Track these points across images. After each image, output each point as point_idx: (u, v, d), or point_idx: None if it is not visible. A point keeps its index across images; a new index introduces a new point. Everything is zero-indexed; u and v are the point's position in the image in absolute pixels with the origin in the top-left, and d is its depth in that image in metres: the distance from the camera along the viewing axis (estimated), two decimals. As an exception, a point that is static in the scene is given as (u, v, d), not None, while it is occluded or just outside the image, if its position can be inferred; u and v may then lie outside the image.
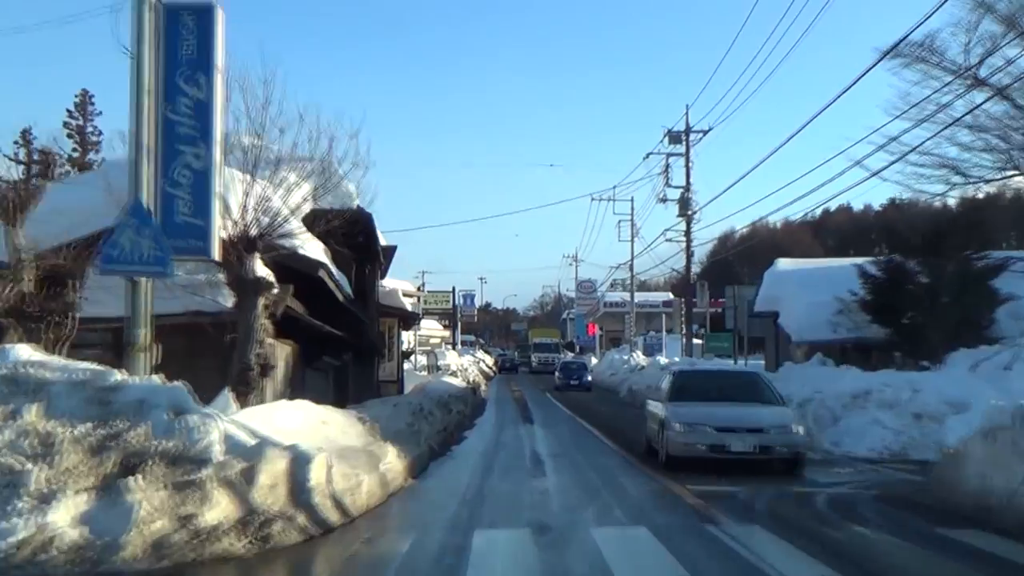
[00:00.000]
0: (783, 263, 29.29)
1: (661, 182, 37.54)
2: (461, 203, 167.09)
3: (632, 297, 56.26)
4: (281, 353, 12.57)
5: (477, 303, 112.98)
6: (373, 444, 10.14)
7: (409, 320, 30.55)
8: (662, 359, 40.96)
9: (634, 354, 47.81)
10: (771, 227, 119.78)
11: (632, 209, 55.30)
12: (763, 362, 30.96)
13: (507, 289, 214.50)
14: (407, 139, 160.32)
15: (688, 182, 36.25)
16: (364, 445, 9.73)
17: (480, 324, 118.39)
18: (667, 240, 36.95)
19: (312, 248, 13.95)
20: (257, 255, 10.85)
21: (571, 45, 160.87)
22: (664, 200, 36.86)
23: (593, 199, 56.18)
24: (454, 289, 65.84)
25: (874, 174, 22.07)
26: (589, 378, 40.49)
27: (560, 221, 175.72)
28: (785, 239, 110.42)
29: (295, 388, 13.50)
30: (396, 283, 54.83)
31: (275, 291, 10.90)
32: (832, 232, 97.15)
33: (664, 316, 63.76)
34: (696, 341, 54.17)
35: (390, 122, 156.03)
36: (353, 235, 19.48)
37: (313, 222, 17.48)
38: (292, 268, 12.29)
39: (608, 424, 20.30)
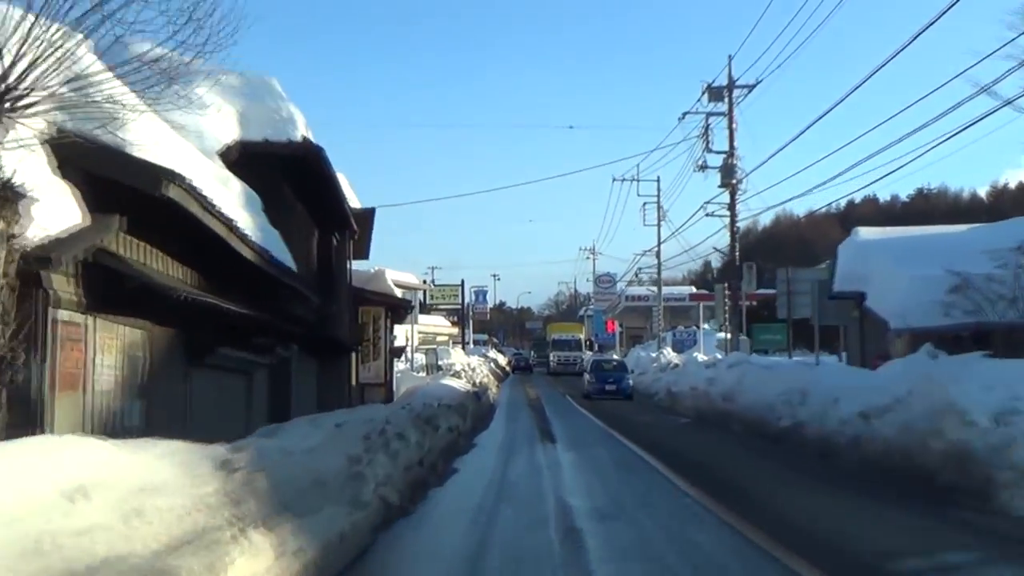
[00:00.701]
0: (865, 232, 23.64)
1: (699, 149, 31.89)
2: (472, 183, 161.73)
3: (659, 288, 50.52)
4: (111, 341, 7.07)
5: (490, 301, 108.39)
6: (219, 532, 4.61)
7: (400, 311, 25.03)
8: (699, 355, 35.30)
9: (664, 351, 42.16)
10: (794, 219, 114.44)
11: (659, 190, 49.72)
12: (840, 357, 25.37)
13: (521, 287, 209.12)
14: (417, 127, 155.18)
15: (732, 146, 30.59)
16: (176, 544, 4.20)
17: (494, 323, 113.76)
18: (708, 215, 31.33)
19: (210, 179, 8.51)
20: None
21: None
22: (703, 168, 31.20)
23: (615, 180, 50.74)
24: (463, 283, 60.52)
25: (1008, 102, 16.35)
26: (630, 382, 30.82)
27: (577, 210, 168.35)
28: (810, 231, 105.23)
29: (157, 398, 8.00)
30: (399, 275, 49.27)
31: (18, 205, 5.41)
32: (862, 221, 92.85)
33: (696, 310, 58.39)
34: (724, 335, 48.51)
35: (395, 112, 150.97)
36: (297, 178, 13.96)
37: (238, 160, 12.01)
38: (144, 199, 6.83)
39: (666, 446, 14.66)
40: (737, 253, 30.61)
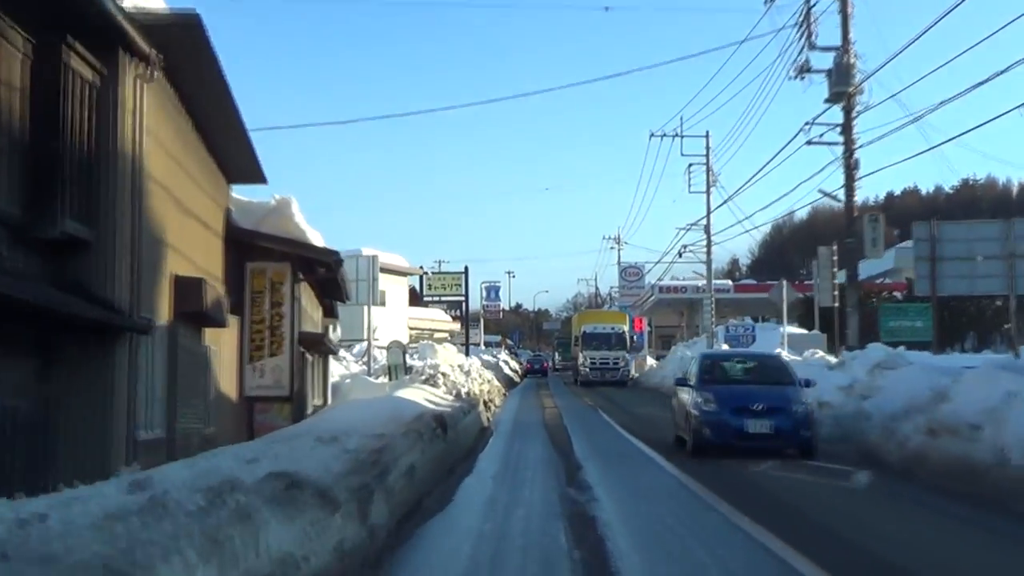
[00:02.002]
0: None
1: (793, 49, 21.68)
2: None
3: (709, 269, 40.22)
4: None
5: (504, 300, 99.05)
6: None
7: (329, 278, 15.00)
8: (819, 354, 25.10)
9: (723, 349, 32.01)
10: (833, 210, 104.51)
11: (707, 147, 39.65)
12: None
13: (538, 286, 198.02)
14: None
15: (846, 38, 20.39)
16: None
17: (509, 325, 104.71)
18: (808, 144, 21.05)
19: None
20: None
21: None
22: (803, 72, 20.94)
23: (654, 135, 40.62)
24: (466, 270, 50.42)
25: None
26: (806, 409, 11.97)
27: (601, 191, 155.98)
28: (854, 224, 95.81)
29: None
30: (383, 255, 39.28)
31: None
32: (902, 216, 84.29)
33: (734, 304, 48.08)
34: (792, 330, 38.36)
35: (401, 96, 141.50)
36: None
37: None
38: None
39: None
40: (855, 198, 20.35)
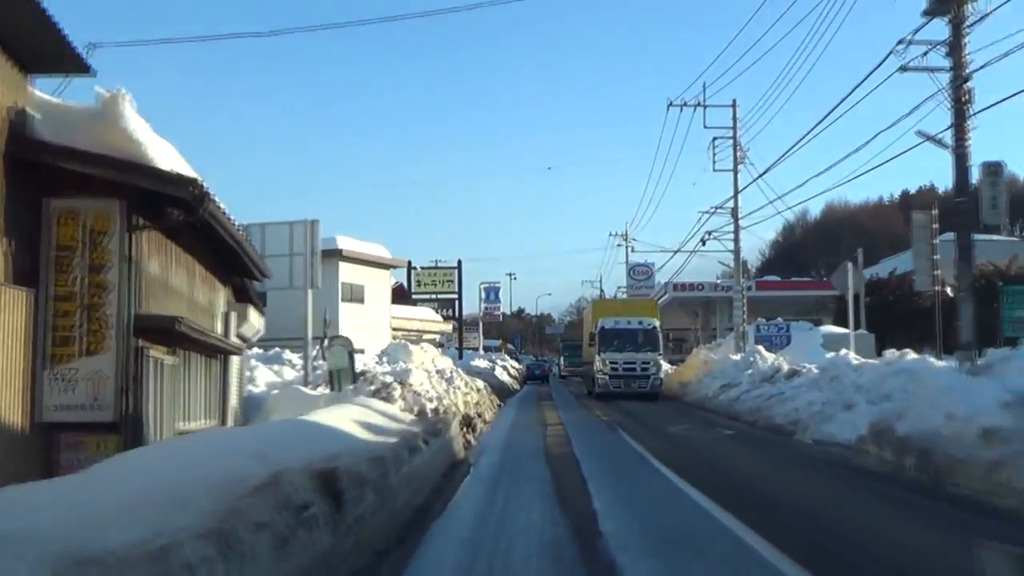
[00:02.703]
0: None
1: None
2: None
3: (737, 258, 34.67)
4: None
5: (507, 306, 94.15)
6: None
7: (171, 212, 9.41)
8: (851, 355, 19.61)
9: (759, 352, 26.53)
10: (850, 207, 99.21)
11: (735, 118, 34.19)
12: None
13: (540, 288, 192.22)
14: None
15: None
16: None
17: (511, 329, 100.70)
18: (903, 70, 15.53)
19: None
20: None
21: None
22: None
23: (671, 104, 35.15)
24: (460, 264, 44.93)
25: None
26: None
27: (608, 185, 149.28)
28: (870, 220, 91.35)
29: None
30: (360, 244, 34.02)
31: None
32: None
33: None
34: (836, 330, 32.97)
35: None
36: None
37: None
38: None
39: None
40: (968, 141, 14.86)
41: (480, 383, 22.38)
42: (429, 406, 13.03)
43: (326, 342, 15.73)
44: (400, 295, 45.58)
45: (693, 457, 12.66)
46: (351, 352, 14.32)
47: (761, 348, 27.20)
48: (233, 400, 12.60)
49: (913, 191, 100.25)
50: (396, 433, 9.67)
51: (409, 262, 46.06)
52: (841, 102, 20.92)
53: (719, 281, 63.95)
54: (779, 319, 41.45)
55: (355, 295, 35.54)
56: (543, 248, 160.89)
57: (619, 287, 75.81)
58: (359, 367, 18.61)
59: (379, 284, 36.90)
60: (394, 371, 18.41)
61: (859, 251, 38.29)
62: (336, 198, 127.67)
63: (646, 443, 14.22)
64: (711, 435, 16.30)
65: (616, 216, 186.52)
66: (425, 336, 43.05)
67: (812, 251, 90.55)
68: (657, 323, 30.59)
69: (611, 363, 28.67)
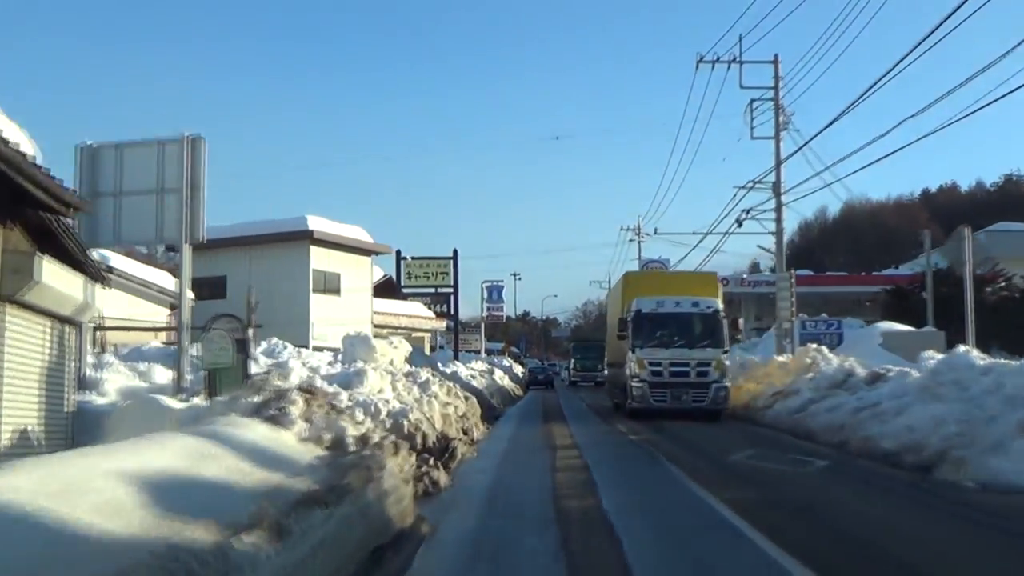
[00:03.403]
0: None
1: None
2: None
3: (780, 241, 29.33)
4: None
5: (512, 309, 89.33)
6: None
7: None
8: (976, 356, 14.29)
9: (820, 352, 21.17)
10: (871, 205, 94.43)
11: (776, 76, 28.87)
12: None
13: (545, 291, 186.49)
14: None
15: None
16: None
17: (516, 332, 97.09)
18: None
19: None
20: None
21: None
22: None
23: (701, 60, 29.82)
24: (455, 254, 39.66)
25: None
26: None
27: (622, 171, 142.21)
28: (894, 218, 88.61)
29: None
30: (334, 225, 29.13)
31: None
32: (941, 212, 76.83)
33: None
34: (897, 327, 27.93)
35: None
36: None
37: None
38: None
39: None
40: None
41: (460, 393, 17.06)
42: (354, 431, 7.74)
43: (206, 329, 10.37)
44: (389, 290, 40.39)
45: (800, 517, 7.41)
46: (242, 342, 9.10)
47: (824, 348, 21.83)
48: (31, 418, 7.36)
49: (934, 189, 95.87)
50: (253, 497, 4.44)
51: (398, 251, 40.82)
52: (916, 46, 15.63)
53: (745, 276, 58.61)
54: (823, 315, 36.20)
55: (329, 285, 30.32)
56: (549, 244, 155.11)
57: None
58: (299, 366, 13.46)
59: (358, 273, 31.66)
60: (344, 373, 13.17)
61: (926, 233, 33.16)
62: (317, 179, 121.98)
63: (713, 486, 8.90)
64: (799, 469, 10.98)
65: (628, 208, 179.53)
66: (415, 334, 37.79)
67: (830, 250, 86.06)
68: (720, 305, 20.75)
69: (654, 365, 19.45)
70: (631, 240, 66.35)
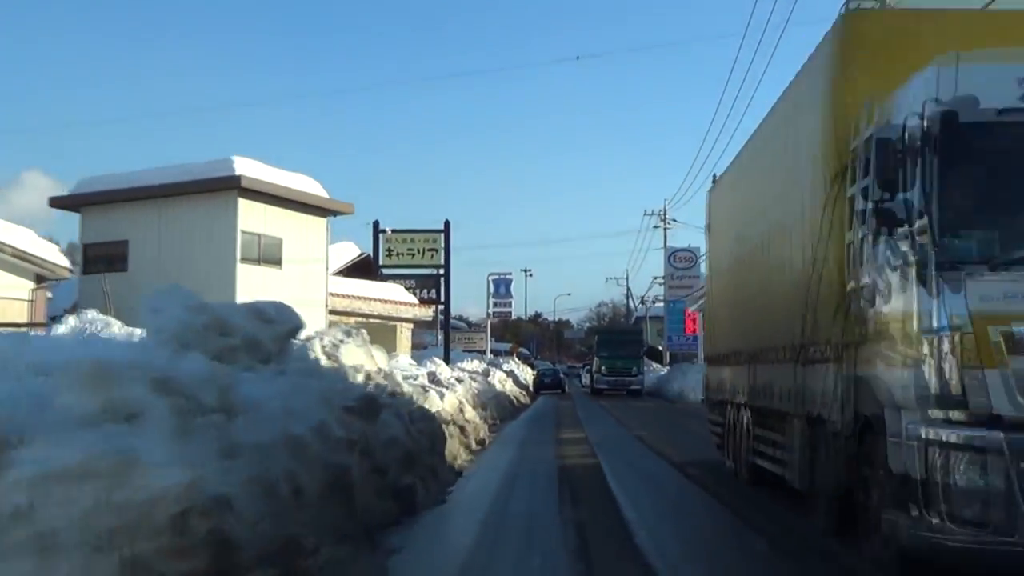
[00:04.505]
0: None
1: None
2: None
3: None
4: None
5: (522, 309, 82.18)
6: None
7: None
8: None
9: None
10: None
11: None
12: None
13: (558, 289, 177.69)
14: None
15: None
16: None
17: (527, 333, 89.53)
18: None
19: None
20: None
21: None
22: None
23: None
24: (447, 226, 31.62)
25: None
26: None
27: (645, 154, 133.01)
28: None
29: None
30: (284, 176, 21.14)
31: None
32: None
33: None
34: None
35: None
36: None
37: None
38: None
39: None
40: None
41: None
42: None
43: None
44: (366, 272, 32.41)
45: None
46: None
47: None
48: None
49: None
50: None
51: (376, 222, 32.82)
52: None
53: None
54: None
55: (266, 253, 22.24)
56: (564, 233, 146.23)
57: (655, 277, 62.45)
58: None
59: (309, 239, 23.57)
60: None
61: None
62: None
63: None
64: None
65: (653, 193, 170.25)
66: (390, 323, 29.72)
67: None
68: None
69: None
70: (655, 227, 58.90)
